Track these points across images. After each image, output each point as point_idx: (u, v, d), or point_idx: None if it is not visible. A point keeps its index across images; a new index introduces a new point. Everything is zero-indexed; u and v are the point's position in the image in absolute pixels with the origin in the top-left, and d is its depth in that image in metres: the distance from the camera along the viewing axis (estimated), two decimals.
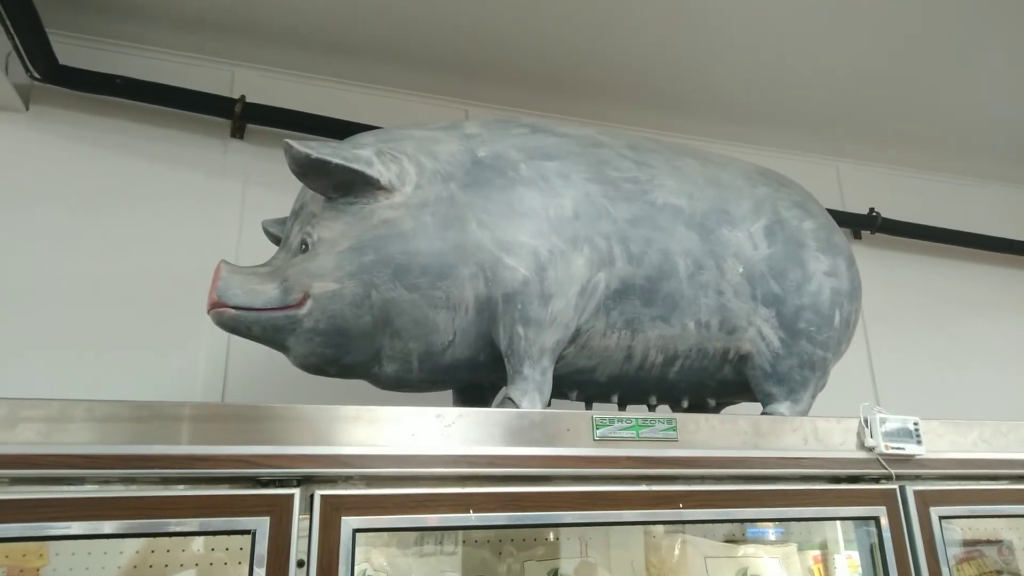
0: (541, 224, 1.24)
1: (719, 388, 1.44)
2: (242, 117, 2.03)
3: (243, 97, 2.01)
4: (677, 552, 1.30)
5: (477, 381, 1.38)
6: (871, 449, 1.24)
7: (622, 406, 1.46)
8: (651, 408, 1.47)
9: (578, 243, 1.25)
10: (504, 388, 1.23)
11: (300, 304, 1.18)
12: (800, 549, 1.40)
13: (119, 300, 1.83)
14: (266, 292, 1.19)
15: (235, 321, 1.19)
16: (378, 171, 1.20)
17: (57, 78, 1.86)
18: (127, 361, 1.80)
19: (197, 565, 0.98)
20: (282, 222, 1.43)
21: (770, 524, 1.38)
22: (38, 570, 1.02)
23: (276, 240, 1.43)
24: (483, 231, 1.21)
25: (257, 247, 1.98)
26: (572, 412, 1.09)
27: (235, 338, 1.90)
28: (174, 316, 1.87)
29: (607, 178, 1.32)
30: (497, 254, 1.20)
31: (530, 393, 1.20)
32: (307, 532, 0.91)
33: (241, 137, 2.09)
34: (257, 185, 2.07)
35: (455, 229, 1.20)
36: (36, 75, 1.82)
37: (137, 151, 1.98)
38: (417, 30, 2.02)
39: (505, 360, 1.22)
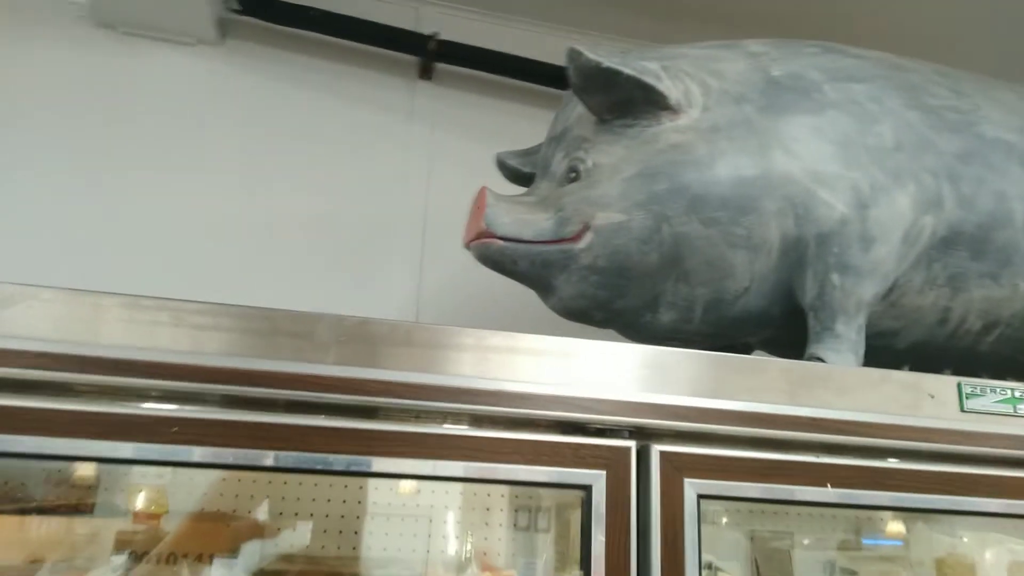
0: (859, 154, 1.05)
1: None
2: (435, 56, 1.90)
3: (436, 34, 1.89)
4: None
5: (749, 340, 1.20)
6: None
7: None
8: None
9: (902, 179, 1.05)
10: (810, 348, 1.04)
11: (578, 237, 1.03)
12: None
13: (300, 243, 1.74)
14: (538, 223, 1.05)
15: (501, 254, 1.05)
16: (667, 87, 1.04)
17: (253, 9, 1.78)
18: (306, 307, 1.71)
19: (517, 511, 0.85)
20: (525, 153, 1.29)
21: None
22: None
23: (514, 175, 1.29)
24: (791, 160, 1.03)
25: (447, 195, 1.87)
26: (934, 376, 0.90)
27: (425, 287, 1.82)
28: (358, 261, 1.77)
29: (926, 105, 1.11)
30: (810, 187, 1.02)
31: (844, 354, 1.01)
32: (640, 494, 0.77)
33: (429, 78, 1.96)
34: (445, 131, 1.94)
35: (758, 157, 1.03)
36: (236, 6, 1.75)
37: (324, 88, 1.88)
38: None
39: (810, 315, 1.04)
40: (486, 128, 1.96)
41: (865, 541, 1.09)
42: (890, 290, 1.07)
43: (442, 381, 0.75)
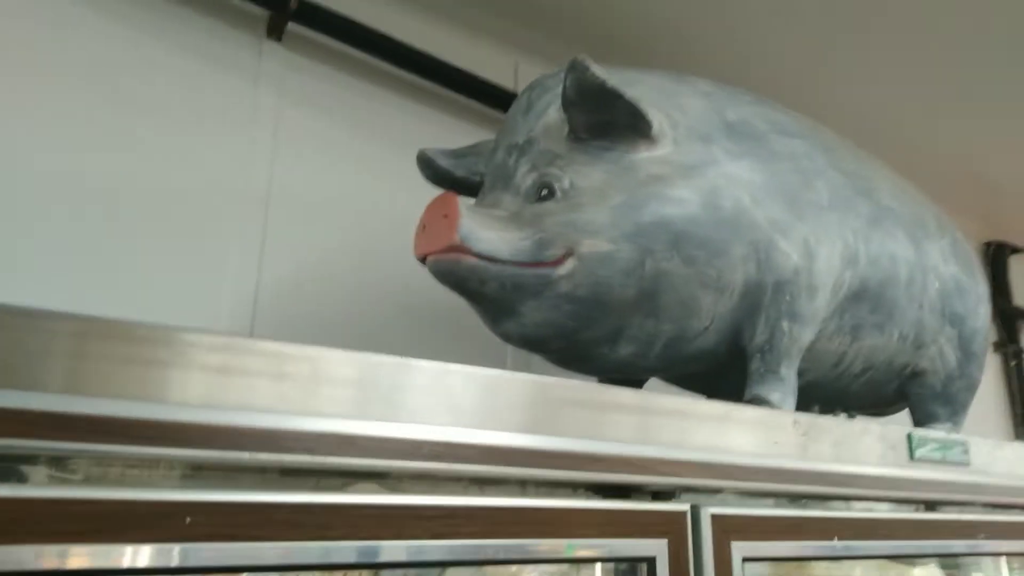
0: (803, 207, 1.10)
1: (875, 402, 1.40)
2: (291, 14, 1.64)
3: None
4: None
5: (673, 376, 1.21)
6: None
7: None
8: None
9: (832, 235, 1.13)
10: (752, 389, 1.07)
11: (558, 262, 0.94)
12: None
13: (119, 208, 1.38)
14: (514, 241, 0.93)
15: (470, 272, 0.91)
16: (654, 116, 1.00)
17: None
18: (120, 286, 1.36)
19: None
20: (456, 155, 1.15)
21: None
22: None
23: (439, 177, 1.14)
24: (757, 208, 1.04)
25: (292, 173, 1.62)
26: (893, 427, 0.97)
27: (264, 283, 1.55)
28: (180, 247, 1.44)
29: (843, 169, 1.21)
30: (772, 235, 1.05)
31: (786, 396, 1.06)
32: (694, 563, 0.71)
33: (279, 39, 1.69)
34: (294, 103, 1.69)
35: (730, 200, 1.03)
36: None
37: (149, 28, 1.52)
38: None
39: (755, 356, 1.07)
40: (339, 108, 1.74)
41: None
42: None
43: (479, 438, 0.62)
